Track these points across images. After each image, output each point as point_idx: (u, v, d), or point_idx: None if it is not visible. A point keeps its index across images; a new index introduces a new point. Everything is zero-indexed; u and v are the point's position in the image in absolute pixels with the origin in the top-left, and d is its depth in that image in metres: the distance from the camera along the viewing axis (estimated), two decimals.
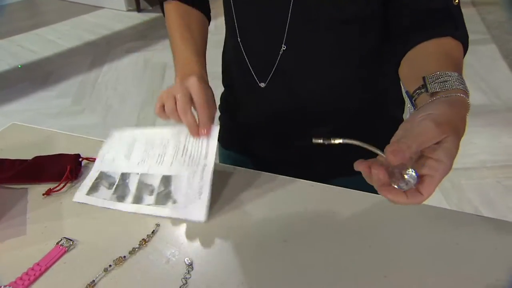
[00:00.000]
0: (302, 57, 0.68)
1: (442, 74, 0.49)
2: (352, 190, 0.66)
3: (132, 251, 0.57)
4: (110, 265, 0.55)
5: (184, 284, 0.53)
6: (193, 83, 0.63)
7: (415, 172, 0.44)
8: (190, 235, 0.60)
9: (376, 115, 0.76)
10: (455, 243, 0.57)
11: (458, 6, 0.60)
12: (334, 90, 0.72)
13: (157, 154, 0.68)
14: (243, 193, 0.67)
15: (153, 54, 2.99)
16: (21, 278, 0.53)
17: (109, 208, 0.64)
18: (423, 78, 0.50)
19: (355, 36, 0.67)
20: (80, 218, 0.63)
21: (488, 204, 1.76)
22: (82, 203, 0.65)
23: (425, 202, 0.56)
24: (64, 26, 3.63)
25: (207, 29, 0.78)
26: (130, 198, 0.64)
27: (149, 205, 0.62)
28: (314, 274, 0.54)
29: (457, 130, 0.44)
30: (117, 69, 2.87)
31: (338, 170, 0.80)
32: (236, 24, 0.71)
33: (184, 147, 0.67)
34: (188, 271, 0.55)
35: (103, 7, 4.01)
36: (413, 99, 0.51)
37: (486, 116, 2.23)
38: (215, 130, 0.66)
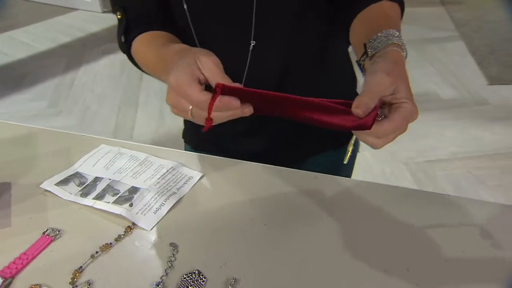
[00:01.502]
0: (273, 48, 0.70)
1: (377, 36, 0.53)
2: (326, 175, 0.70)
3: (118, 238, 0.59)
4: (96, 252, 0.57)
5: (170, 267, 0.56)
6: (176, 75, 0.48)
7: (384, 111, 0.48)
8: (174, 221, 0.62)
9: (333, 92, 0.80)
10: (422, 220, 0.61)
11: None
12: (302, 74, 0.75)
13: (135, 170, 0.71)
14: (222, 180, 0.70)
15: None
16: (8, 267, 0.55)
17: (71, 201, 0.65)
18: (364, 44, 0.54)
19: (317, 18, 0.70)
20: (64, 209, 0.64)
21: (460, 193, 1.83)
22: (48, 190, 0.67)
23: (394, 184, 0.58)
24: (37, 28, 3.56)
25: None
26: (92, 195, 0.66)
27: (107, 202, 0.64)
28: (293, 255, 0.57)
29: (402, 76, 0.48)
30: (94, 71, 2.85)
31: (307, 152, 0.85)
32: (193, 32, 0.70)
33: (164, 175, 0.70)
34: (173, 254, 0.57)
35: (77, 9, 3.95)
36: (361, 65, 0.56)
37: (456, 110, 2.32)
38: (196, 176, 0.70)
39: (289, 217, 0.63)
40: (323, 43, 0.74)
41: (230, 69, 0.72)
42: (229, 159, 0.75)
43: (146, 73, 0.70)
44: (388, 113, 0.47)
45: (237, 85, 0.48)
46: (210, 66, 0.48)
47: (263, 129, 0.81)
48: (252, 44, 0.68)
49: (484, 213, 0.62)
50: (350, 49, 0.81)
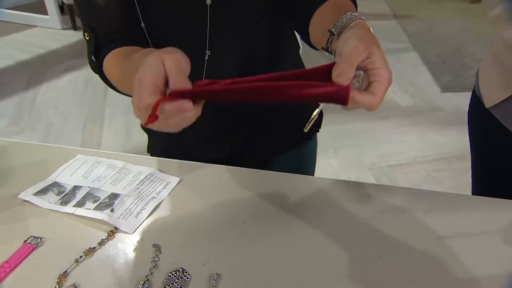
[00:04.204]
0: (228, 57, 0.74)
1: (339, 19, 0.55)
2: (299, 175, 0.74)
3: (101, 242, 0.61)
4: (80, 256, 0.58)
5: (154, 267, 0.57)
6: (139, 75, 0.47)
7: (363, 71, 0.49)
8: (155, 224, 0.64)
9: None
10: (388, 212, 0.67)
11: None
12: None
13: (114, 178, 0.72)
14: (199, 184, 0.72)
15: None
16: None
17: (51, 210, 0.66)
18: (329, 30, 0.56)
19: (271, 25, 0.75)
20: (45, 218, 0.65)
21: None
22: (26, 200, 0.67)
23: (353, 180, 0.62)
24: None
25: None
26: (73, 203, 0.67)
27: (88, 209, 0.65)
28: (271, 249, 0.60)
29: (373, 41, 0.49)
30: (56, 87, 2.79)
31: (270, 153, 0.89)
32: (150, 42, 0.72)
33: (142, 181, 0.72)
34: (157, 254, 0.59)
35: (36, 26, 3.86)
36: (329, 49, 0.57)
37: (414, 116, 2.45)
38: (174, 180, 0.72)
39: (265, 214, 0.66)
40: (277, 45, 0.79)
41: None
42: (205, 163, 0.78)
43: (118, 91, 0.70)
44: (368, 79, 0.49)
45: (188, 87, 0.46)
46: (170, 64, 0.48)
47: (228, 136, 0.85)
48: (208, 54, 0.72)
49: (440, 202, 0.68)
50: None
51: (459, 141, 2.21)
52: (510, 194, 0.70)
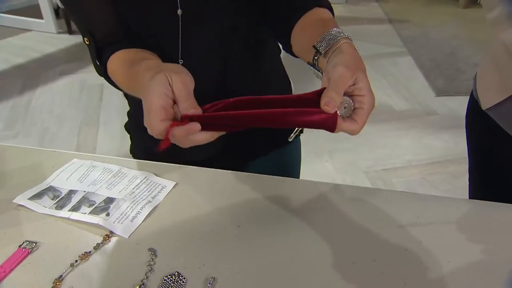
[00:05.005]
0: (201, 66, 0.74)
1: (324, 35, 0.57)
2: (290, 178, 0.74)
3: (97, 246, 0.61)
4: (76, 260, 0.58)
5: (150, 271, 0.57)
6: (150, 97, 0.50)
7: (349, 98, 0.51)
8: (151, 228, 0.64)
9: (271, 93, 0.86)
10: (382, 215, 0.67)
11: None
12: (238, 82, 0.80)
13: (110, 182, 0.72)
14: (195, 187, 0.72)
15: (89, 75, 2.94)
16: None
17: (47, 214, 0.66)
18: (314, 46, 0.58)
19: (244, 33, 0.75)
20: (40, 222, 0.65)
21: None
22: (21, 205, 0.67)
23: (349, 184, 0.62)
24: None
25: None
26: (68, 207, 0.67)
27: (83, 213, 0.65)
28: (266, 252, 0.61)
29: (360, 66, 0.52)
30: (52, 92, 2.79)
31: (253, 155, 0.90)
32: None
33: (138, 185, 0.72)
34: (152, 258, 0.59)
35: (31, 30, 3.86)
36: (315, 65, 0.59)
37: (409, 120, 2.46)
38: (170, 184, 0.72)
39: (260, 218, 0.66)
40: (253, 52, 0.80)
41: None
42: (200, 168, 0.78)
43: (125, 92, 0.72)
44: (353, 105, 0.51)
45: (198, 112, 0.50)
46: (177, 85, 0.51)
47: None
48: (181, 63, 0.72)
49: (435, 206, 0.69)
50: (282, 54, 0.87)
51: (454, 144, 2.23)
52: (508, 196, 0.71)
